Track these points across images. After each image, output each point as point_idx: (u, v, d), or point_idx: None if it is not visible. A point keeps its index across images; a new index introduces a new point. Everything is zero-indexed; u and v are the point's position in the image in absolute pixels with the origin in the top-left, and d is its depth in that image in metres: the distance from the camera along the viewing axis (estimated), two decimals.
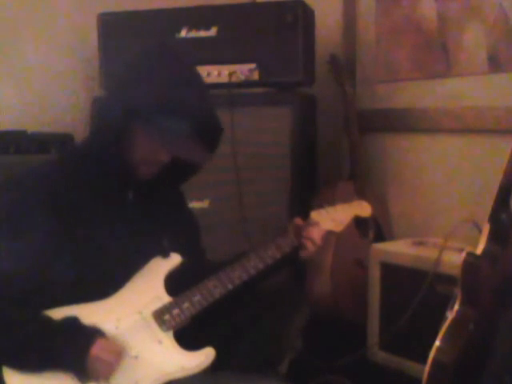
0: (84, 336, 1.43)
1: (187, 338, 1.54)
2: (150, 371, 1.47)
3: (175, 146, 1.52)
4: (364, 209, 1.81)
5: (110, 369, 1.43)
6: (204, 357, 1.52)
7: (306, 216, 1.76)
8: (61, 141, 2.37)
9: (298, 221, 1.73)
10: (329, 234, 1.75)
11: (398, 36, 2.62)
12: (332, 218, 1.74)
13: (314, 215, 1.73)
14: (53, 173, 1.57)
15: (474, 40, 2.37)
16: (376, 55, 2.70)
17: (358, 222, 2.35)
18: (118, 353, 1.44)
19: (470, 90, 2.40)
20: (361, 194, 2.52)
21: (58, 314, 1.45)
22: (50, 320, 1.44)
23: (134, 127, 1.51)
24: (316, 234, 1.69)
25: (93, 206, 1.54)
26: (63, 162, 1.64)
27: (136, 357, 1.47)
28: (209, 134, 1.58)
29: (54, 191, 1.51)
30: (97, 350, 1.41)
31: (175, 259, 1.60)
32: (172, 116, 1.50)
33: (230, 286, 1.58)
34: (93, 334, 1.43)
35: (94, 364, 1.40)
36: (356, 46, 2.76)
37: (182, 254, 1.61)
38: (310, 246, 1.68)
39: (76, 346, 1.41)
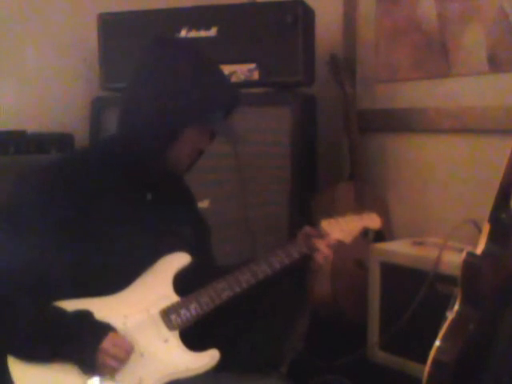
0: (96, 329, 1.43)
1: (189, 338, 1.54)
2: (154, 370, 1.48)
3: (215, 134, 1.62)
4: (374, 221, 1.82)
5: (119, 364, 1.43)
6: (209, 358, 1.52)
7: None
8: (61, 141, 2.38)
9: (308, 229, 1.74)
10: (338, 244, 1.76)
11: (398, 36, 2.62)
12: (342, 229, 1.75)
13: (324, 224, 1.74)
14: (76, 166, 1.58)
15: (473, 40, 2.37)
16: (376, 55, 2.70)
17: None
18: (128, 349, 1.45)
19: (470, 90, 2.39)
20: (361, 194, 2.53)
21: (66, 306, 1.46)
22: (62, 311, 1.45)
23: (183, 127, 1.55)
24: (324, 246, 1.70)
25: (108, 202, 1.55)
26: (83, 158, 1.65)
27: (141, 354, 1.48)
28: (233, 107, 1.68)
29: (74, 185, 1.52)
30: (107, 344, 1.41)
31: (185, 259, 1.61)
32: (215, 109, 1.58)
33: (237, 289, 1.59)
34: (104, 328, 1.44)
35: (104, 358, 1.41)
36: (356, 46, 2.76)
37: (193, 254, 1.62)
38: (318, 256, 1.70)
39: (87, 338, 1.42)
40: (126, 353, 1.44)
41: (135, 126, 1.56)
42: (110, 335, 1.43)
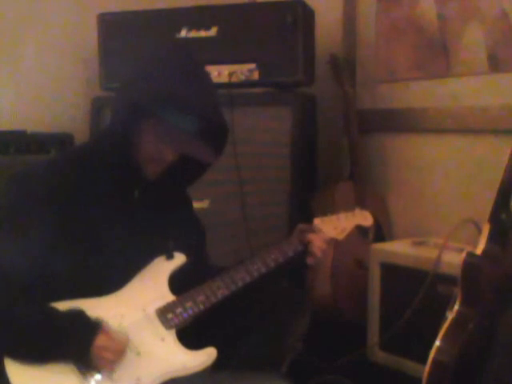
0: (89, 327, 1.44)
1: (189, 338, 1.54)
2: (152, 368, 1.48)
3: (180, 144, 1.53)
4: (366, 218, 1.84)
5: (114, 360, 1.43)
6: (206, 356, 1.53)
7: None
8: (61, 141, 2.38)
9: (302, 226, 1.75)
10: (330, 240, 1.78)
11: (398, 36, 2.62)
12: (334, 226, 1.77)
13: (318, 222, 1.76)
14: (60, 169, 1.57)
15: (473, 40, 2.37)
16: (376, 55, 2.70)
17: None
18: (123, 345, 1.45)
19: (470, 89, 2.40)
20: (361, 194, 2.53)
21: (61, 307, 1.46)
22: (55, 310, 1.45)
23: (141, 124, 1.52)
24: (319, 240, 1.71)
25: (99, 202, 1.55)
26: (69, 160, 1.64)
27: (138, 353, 1.48)
28: (214, 134, 1.59)
29: (60, 187, 1.51)
30: (101, 340, 1.42)
31: (180, 259, 1.61)
32: (177, 114, 1.51)
33: (233, 288, 1.59)
34: (98, 325, 1.44)
35: (98, 354, 1.41)
36: (356, 46, 2.76)
37: (186, 255, 1.62)
38: (314, 249, 1.70)
39: (80, 335, 1.42)
40: (120, 346, 1.44)
41: (111, 120, 1.59)
42: (103, 331, 1.43)
